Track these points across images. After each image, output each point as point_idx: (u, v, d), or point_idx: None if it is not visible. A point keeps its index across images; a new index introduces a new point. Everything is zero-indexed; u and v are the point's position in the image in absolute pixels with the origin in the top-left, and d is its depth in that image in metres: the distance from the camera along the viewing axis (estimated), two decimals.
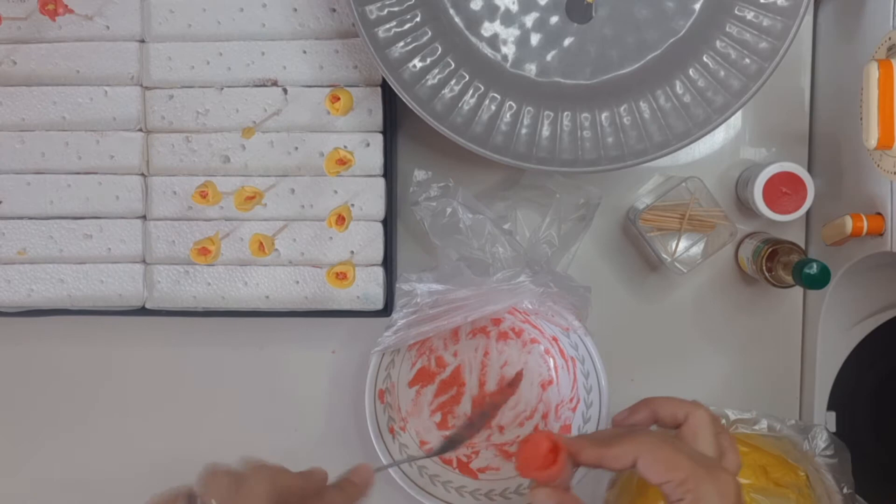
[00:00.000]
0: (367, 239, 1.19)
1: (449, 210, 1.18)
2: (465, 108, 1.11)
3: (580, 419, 1.21)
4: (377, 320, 1.20)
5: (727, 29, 1.10)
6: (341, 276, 1.13)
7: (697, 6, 1.12)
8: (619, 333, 1.27)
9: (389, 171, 1.19)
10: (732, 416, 1.21)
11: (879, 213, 1.07)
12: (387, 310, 1.21)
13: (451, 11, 1.12)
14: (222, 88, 1.18)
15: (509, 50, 1.13)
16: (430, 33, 1.11)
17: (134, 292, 1.21)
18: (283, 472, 0.93)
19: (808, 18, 1.24)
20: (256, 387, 1.31)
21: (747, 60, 1.09)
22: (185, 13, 1.17)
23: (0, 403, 1.32)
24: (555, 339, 1.23)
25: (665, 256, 1.20)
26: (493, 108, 1.11)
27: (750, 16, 1.09)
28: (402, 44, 1.10)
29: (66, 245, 1.20)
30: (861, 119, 1.01)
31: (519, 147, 1.10)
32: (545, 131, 1.11)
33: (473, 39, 1.13)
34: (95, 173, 1.20)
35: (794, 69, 1.25)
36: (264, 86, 1.18)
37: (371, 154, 1.18)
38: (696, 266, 1.21)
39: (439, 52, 1.11)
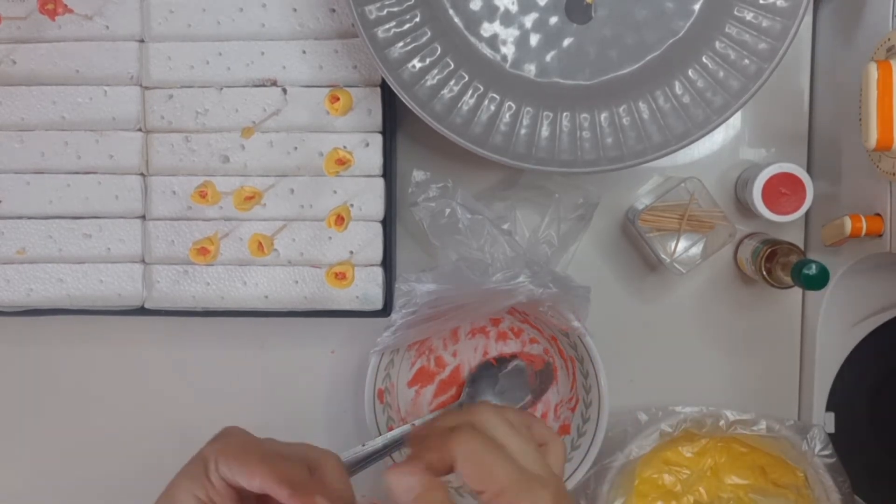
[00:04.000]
0: (366, 239, 1.19)
1: (448, 210, 1.18)
2: (465, 108, 1.11)
3: (579, 419, 1.21)
4: (376, 320, 1.20)
5: (726, 30, 1.09)
6: (340, 276, 1.13)
7: (697, 7, 1.12)
8: (618, 333, 1.27)
9: (389, 172, 1.19)
10: (731, 417, 1.21)
11: (878, 214, 1.07)
12: (386, 310, 1.21)
13: (451, 12, 1.12)
14: (222, 88, 1.18)
15: (509, 50, 1.13)
16: (429, 33, 1.11)
17: (133, 292, 1.21)
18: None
19: (808, 19, 1.24)
20: (255, 387, 1.31)
21: (747, 61, 1.08)
22: (185, 13, 1.17)
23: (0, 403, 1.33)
24: (554, 339, 1.23)
25: (664, 257, 1.20)
26: (492, 108, 1.11)
27: (749, 16, 1.08)
28: (401, 44, 1.10)
29: (65, 245, 1.20)
30: (860, 120, 1.01)
31: (518, 147, 1.10)
32: (544, 132, 1.11)
33: (473, 40, 1.13)
34: (95, 173, 1.20)
35: (794, 70, 1.26)
36: (264, 86, 1.18)
37: (370, 154, 1.18)
38: (696, 266, 1.21)
39: (439, 52, 1.11)
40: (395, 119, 1.22)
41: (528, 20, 1.13)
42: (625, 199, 1.28)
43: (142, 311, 1.22)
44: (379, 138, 1.18)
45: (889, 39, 1.01)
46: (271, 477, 0.85)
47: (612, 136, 1.10)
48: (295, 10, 1.17)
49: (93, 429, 1.32)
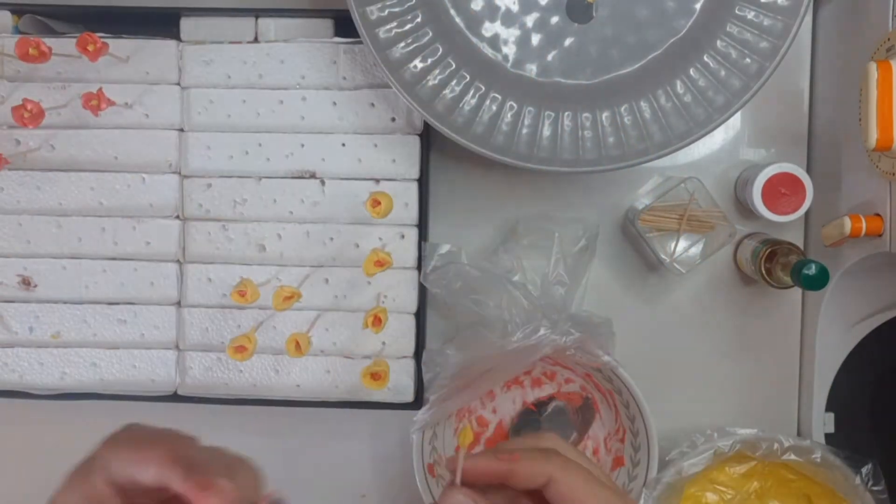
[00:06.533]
0: (399, 332, 1.21)
1: (458, 274, 1.20)
2: (466, 108, 1.14)
3: (630, 448, 1.21)
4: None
5: (728, 28, 1.11)
6: (376, 377, 1.14)
7: (698, 6, 1.14)
8: (618, 334, 1.23)
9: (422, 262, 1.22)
10: (786, 443, 1.20)
11: (878, 214, 1.10)
12: (417, 402, 1.22)
13: (452, 12, 1.16)
14: (260, 179, 1.21)
15: (510, 50, 1.16)
16: (430, 34, 1.14)
17: (166, 378, 1.21)
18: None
19: (808, 18, 1.29)
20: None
21: (748, 60, 1.10)
22: (225, 104, 1.21)
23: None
24: (588, 376, 1.25)
25: (664, 257, 1.22)
26: (493, 108, 1.14)
27: (750, 15, 1.11)
28: (402, 44, 1.13)
29: (99, 329, 1.21)
30: (860, 120, 1.04)
31: (520, 147, 1.13)
32: (546, 131, 1.14)
33: (474, 40, 1.16)
34: (131, 259, 1.21)
35: (794, 69, 1.29)
36: (302, 177, 1.21)
37: (406, 246, 1.21)
38: (695, 266, 1.23)
39: (440, 52, 1.14)
40: (428, 212, 1.25)
41: (530, 20, 1.15)
42: (625, 199, 1.32)
43: (175, 397, 1.21)
44: (414, 231, 1.22)
45: (889, 39, 1.05)
46: (166, 458, 0.75)
47: (613, 136, 1.13)
48: (335, 103, 1.21)
49: None
